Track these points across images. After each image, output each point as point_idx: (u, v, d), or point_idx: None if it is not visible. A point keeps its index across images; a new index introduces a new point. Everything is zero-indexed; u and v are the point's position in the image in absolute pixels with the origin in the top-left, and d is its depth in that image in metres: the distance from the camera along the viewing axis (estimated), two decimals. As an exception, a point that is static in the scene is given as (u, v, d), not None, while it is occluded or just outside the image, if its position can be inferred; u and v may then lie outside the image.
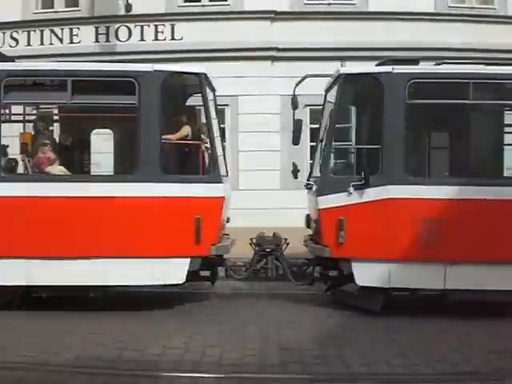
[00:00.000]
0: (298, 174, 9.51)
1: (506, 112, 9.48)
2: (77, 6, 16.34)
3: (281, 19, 15.50)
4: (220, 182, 8.67)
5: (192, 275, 8.69)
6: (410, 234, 8.21)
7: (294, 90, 8.81)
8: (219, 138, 9.76)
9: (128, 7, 15.62)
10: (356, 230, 8.33)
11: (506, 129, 9.65)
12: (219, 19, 15.40)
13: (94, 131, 10.57)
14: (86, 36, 15.80)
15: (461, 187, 8.25)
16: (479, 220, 8.15)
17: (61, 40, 16.01)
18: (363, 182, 8.28)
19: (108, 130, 10.70)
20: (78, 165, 10.08)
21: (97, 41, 15.78)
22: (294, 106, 8.85)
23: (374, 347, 6.87)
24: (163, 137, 8.66)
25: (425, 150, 9.80)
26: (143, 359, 6.35)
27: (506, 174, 9.42)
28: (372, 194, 8.30)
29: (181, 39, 15.41)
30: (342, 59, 10.48)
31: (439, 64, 9.22)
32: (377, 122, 8.65)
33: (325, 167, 8.75)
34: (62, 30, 16.04)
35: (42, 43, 16.02)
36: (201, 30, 15.23)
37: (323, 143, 9.12)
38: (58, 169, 9.07)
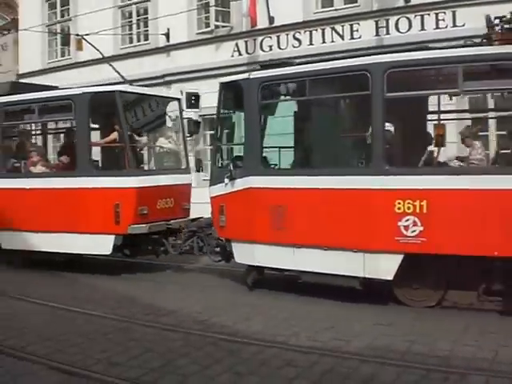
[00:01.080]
0: (201, 168, 11.74)
1: (343, 104, 10.16)
2: (355, 1, 16.41)
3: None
4: (134, 176, 11.14)
5: (145, 249, 11.96)
6: (266, 219, 9.36)
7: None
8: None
9: (408, -3, 15.40)
10: (231, 214, 9.92)
11: (343, 121, 10.38)
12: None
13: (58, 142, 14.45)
14: (366, 31, 15.91)
15: (302, 177, 9.18)
16: (319, 207, 8.89)
17: (342, 37, 16.30)
18: (230, 174, 9.77)
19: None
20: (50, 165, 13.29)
21: (377, 34, 15.79)
22: None
23: None
24: (92, 142, 11.75)
25: (276, 145, 10.74)
26: (433, 354, 6.29)
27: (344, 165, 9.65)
28: (239, 184, 9.75)
29: (462, 26, 14.74)
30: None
31: (295, 65, 9.78)
32: (243, 122, 10.00)
33: (213, 162, 10.62)
34: (343, 26, 16.36)
35: (323, 41, 16.59)
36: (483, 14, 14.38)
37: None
38: (37, 168, 12.50)
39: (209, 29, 18.66)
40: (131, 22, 21.14)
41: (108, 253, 11.31)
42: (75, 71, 21.46)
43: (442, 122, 8.91)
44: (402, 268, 8.25)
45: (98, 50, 17.22)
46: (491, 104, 11.51)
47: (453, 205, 7.85)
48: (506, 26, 8.20)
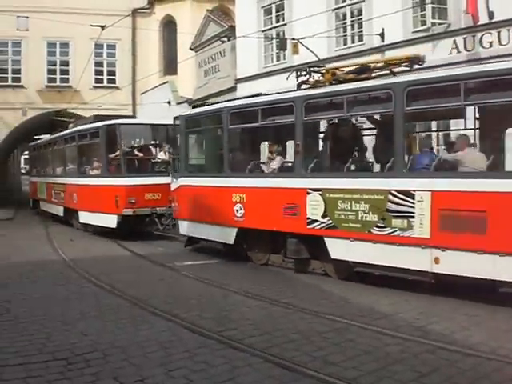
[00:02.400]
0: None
1: (216, 133, 14.70)
2: None
3: None
4: (125, 178, 17.78)
5: (147, 226, 18.73)
6: (187, 204, 14.72)
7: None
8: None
9: None
10: (179, 202, 15.23)
11: (217, 144, 14.48)
12: None
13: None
14: None
15: (197, 178, 14.52)
16: (205, 197, 13.88)
17: None
18: (175, 176, 15.19)
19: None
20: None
21: None
22: None
23: None
24: (109, 156, 18.63)
25: (195, 157, 16.28)
26: None
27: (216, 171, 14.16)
28: (178, 182, 15.01)
29: None
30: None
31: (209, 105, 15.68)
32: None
33: (172, 168, 15.79)
34: None
35: None
36: None
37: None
38: (93, 172, 19.85)
39: (425, 27, 18.10)
40: (345, 23, 21.21)
41: (114, 226, 17.99)
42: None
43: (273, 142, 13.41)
44: (243, 237, 13.02)
45: (313, 52, 17.59)
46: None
47: (255, 197, 12.36)
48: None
